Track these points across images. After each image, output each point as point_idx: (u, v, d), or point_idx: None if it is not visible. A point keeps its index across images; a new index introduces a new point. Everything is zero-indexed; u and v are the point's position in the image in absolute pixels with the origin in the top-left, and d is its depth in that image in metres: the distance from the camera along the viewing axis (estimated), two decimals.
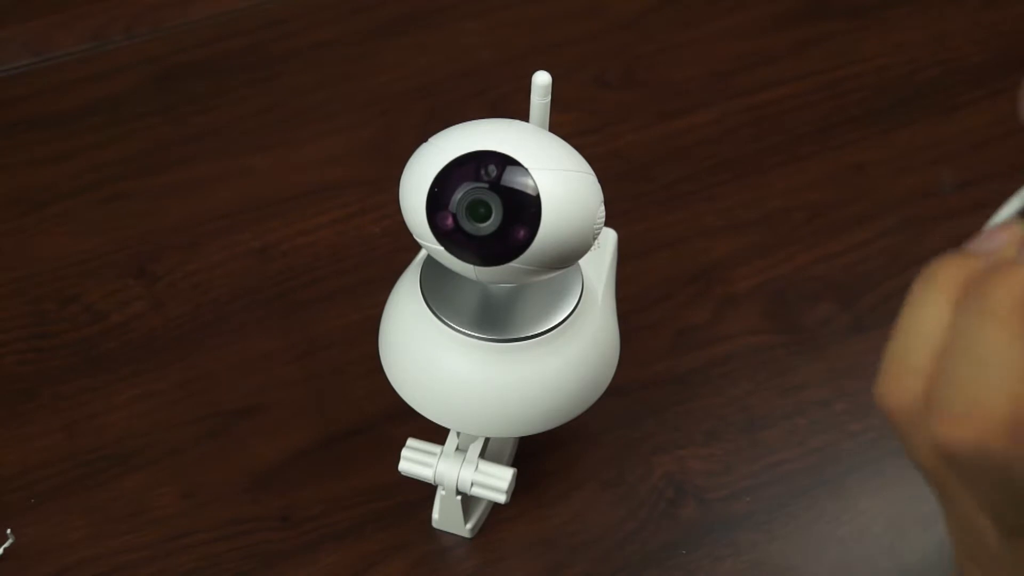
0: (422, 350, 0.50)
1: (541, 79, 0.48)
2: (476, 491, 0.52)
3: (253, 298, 0.67)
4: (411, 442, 0.53)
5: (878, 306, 0.68)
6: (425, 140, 0.47)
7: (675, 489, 0.61)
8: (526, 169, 0.44)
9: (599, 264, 0.55)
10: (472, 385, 0.50)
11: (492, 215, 0.44)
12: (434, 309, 0.50)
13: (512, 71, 0.79)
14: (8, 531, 0.58)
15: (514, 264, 0.45)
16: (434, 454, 0.53)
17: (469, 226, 0.44)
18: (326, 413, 0.63)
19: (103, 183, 0.72)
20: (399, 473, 0.54)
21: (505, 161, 0.44)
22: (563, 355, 0.50)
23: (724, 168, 0.72)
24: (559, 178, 0.44)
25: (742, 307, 0.68)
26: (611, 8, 0.83)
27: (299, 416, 0.63)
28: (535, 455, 0.58)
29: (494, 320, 0.50)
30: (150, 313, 0.66)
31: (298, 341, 0.65)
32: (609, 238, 0.57)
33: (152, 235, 0.70)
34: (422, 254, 0.53)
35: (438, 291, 0.50)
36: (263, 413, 0.63)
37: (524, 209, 0.44)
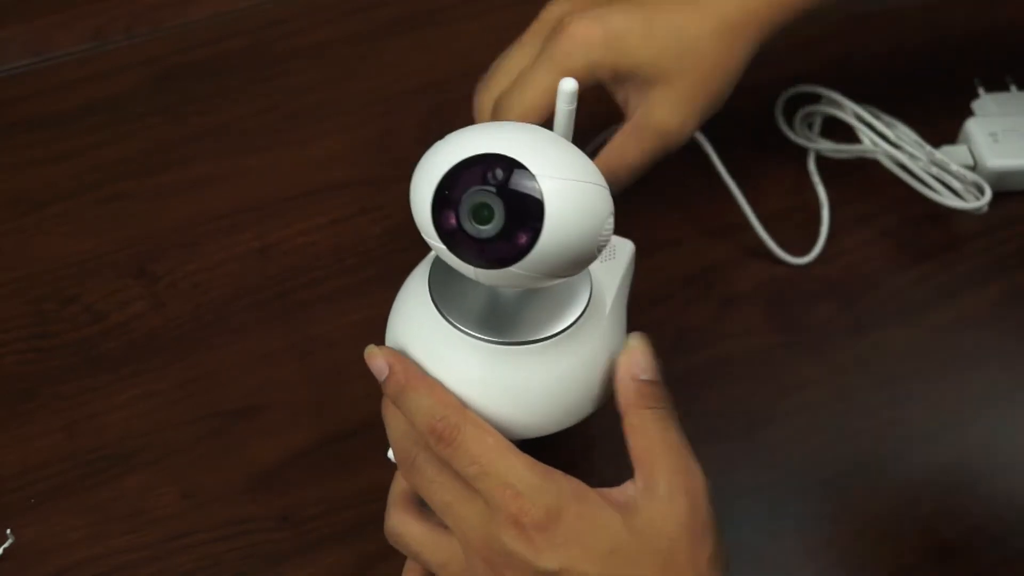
0: (426, 348, 0.50)
1: (567, 86, 0.47)
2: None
3: (253, 298, 0.67)
4: None
5: (878, 306, 0.68)
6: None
7: None
8: (533, 175, 0.44)
9: (612, 274, 0.54)
10: (473, 386, 0.50)
11: (494, 218, 0.44)
12: (440, 308, 0.50)
13: None
14: (8, 531, 0.58)
15: (513, 269, 0.45)
16: None
17: (471, 227, 0.44)
18: (326, 413, 0.63)
19: (103, 183, 0.72)
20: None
21: (512, 165, 0.44)
22: (565, 362, 0.50)
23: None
24: (566, 187, 0.44)
25: (742, 307, 0.68)
26: None
27: (299, 416, 0.63)
28: (534, 455, 0.58)
29: (498, 322, 0.50)
30: (150, 313, 0.66)
31: (298, 341, 0.66)
32: (626, 249, 0.57)
33: (152, 235, 0.70)
34: (432, 252, 0.53)
35: (446, 291, 0.50)
36: (263, 413, 0.63)
37: (527, 215, 0.44)
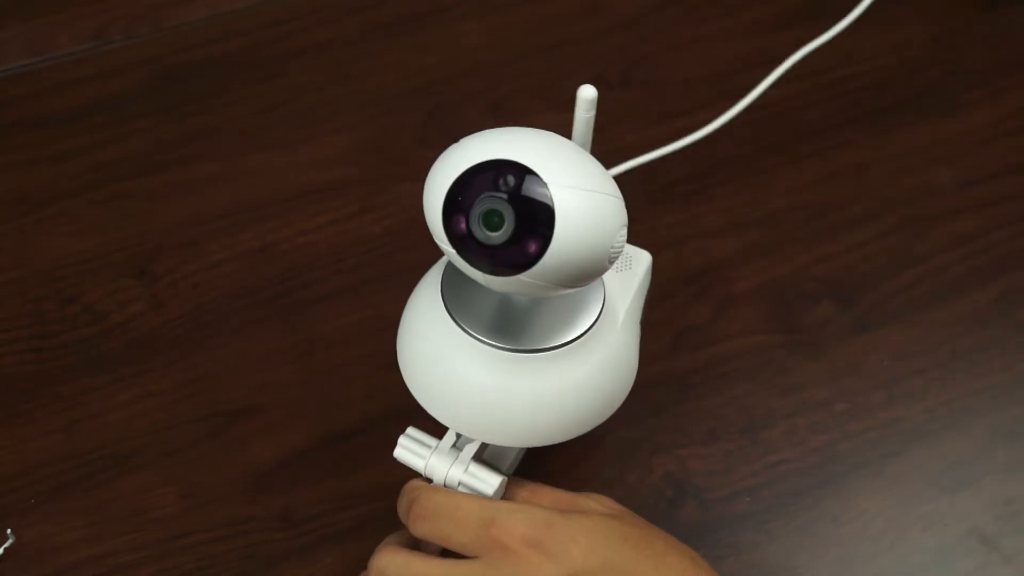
0: (438, 354, 0.50)
1: (586, 93, 0.47)
2: (463, 491, 0.52)
3: (253, 298, 0.67)
4: (410, 431, 0.53)
5: (878, 306, 0.68)
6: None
7: (675, 489, 0.61)
8: (544, 183, 0.43)
9: (626, 284, 0.54)
10: (484, 392, 0.49)
11: (504, 225, 0.44)
12: (453, 314, 0.50)
13: (512, 71, 0.79)
14: (8, 531, 0.58)
15: (522, 277, 0.44)
16: (430, 447, 0.53)
17: (481, 233, 0.44)
18: (326, 413, 0.63)
19: (103, 183, 0.72)
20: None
21: (524, 172, 0.44)
22: (577, 370, 0.50)
23: (724, 168, 0.72)
24: (579, 196, 0.44)
25: (742, 307, 0.68)
26: (611, 8, 0.83)
27: (299, 416, 0.63)
28: (536, 456, 0.58)
29: (509, 329, 0.49)
30: (150, 313, 0.66)
31: (298, 341, 0.66)
32: (643, 260, 0.56)
33: (152, 235, 0.70)
34: (444, 257, 0.52)
35: (458, 296, 0.50)
36: (263, 413, 0.63)
37: (537, 223, 0.43)
